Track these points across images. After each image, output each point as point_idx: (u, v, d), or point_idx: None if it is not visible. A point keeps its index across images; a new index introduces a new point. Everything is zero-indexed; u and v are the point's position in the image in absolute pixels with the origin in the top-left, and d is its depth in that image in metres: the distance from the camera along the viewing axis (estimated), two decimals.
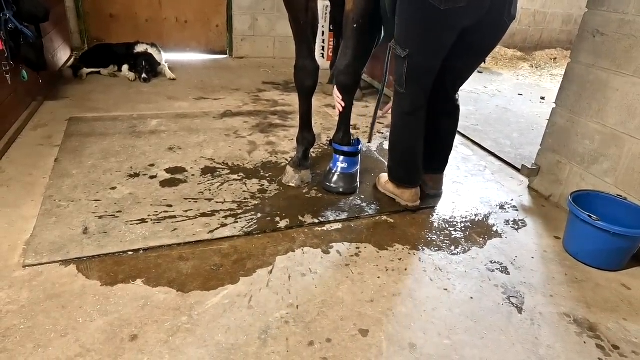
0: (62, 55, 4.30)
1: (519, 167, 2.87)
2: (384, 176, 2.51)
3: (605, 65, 2.24)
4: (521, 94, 4.89)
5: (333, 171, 2.49)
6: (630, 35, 2.11)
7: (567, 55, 2.49)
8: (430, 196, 2.52)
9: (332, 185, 2.47)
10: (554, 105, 2.57)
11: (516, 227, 2.34)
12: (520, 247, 2.17)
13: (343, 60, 2.26)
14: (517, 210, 2.51)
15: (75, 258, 1.82)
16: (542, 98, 4.76)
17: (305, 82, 2.40)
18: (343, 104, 2.40)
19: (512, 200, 2.61)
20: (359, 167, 2.57)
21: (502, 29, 2.06)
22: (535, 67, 6.26)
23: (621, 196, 2.16)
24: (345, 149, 2.45)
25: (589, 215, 1.98)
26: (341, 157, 2.47)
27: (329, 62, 4.56)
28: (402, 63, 2.05)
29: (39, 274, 1.73)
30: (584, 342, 1.64)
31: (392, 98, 2.26)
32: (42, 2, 3.10)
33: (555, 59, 6.73)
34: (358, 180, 2.56)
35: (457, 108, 2.38)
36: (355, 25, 2.15)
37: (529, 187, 2.77)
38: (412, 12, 1.94)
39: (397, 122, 2.26)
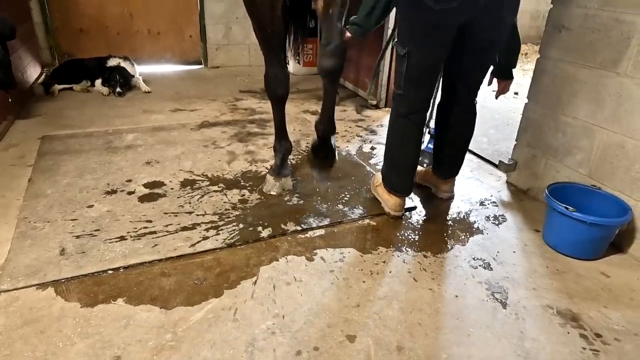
0: (32, 72, 4.21)
1: (497, 163, 2.91)
2: (378, 177, 2.49)
3: (572, 59, 2.30)
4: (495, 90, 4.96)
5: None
6: (594, 28, 2.17)
7: (537, 50, 2.53)
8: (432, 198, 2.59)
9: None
10: (527, 101, 2.61)
11: (497, 222, 2.37)
12: (502, 242, 2.20)
13: (326, 44, 2.21)
14: (496, 205, 2.54)
15: (53, 280, 1.77)
16: (516, 93, 4.83)
17: (277, 91, 2.38)
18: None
19: (491, 196, 2.65)
20: None
21: (504, 24, 2.05)
22: None
23: (595, 186, 2.21)
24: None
25: (565, 207, 2.02)
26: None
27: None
28: (402, 62, 2.09)
29: (15, 299, 1.68)
30: (568, 333, 1.66)
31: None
32: (7, 20, 3.03)
33: (526, 54, 6.86)
34: None
35: (472, 114, 2.36)
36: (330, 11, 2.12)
37: (507, 182, 2.81)
38: (408, 11, 2.02)
39: (391, 124, 2.27)
